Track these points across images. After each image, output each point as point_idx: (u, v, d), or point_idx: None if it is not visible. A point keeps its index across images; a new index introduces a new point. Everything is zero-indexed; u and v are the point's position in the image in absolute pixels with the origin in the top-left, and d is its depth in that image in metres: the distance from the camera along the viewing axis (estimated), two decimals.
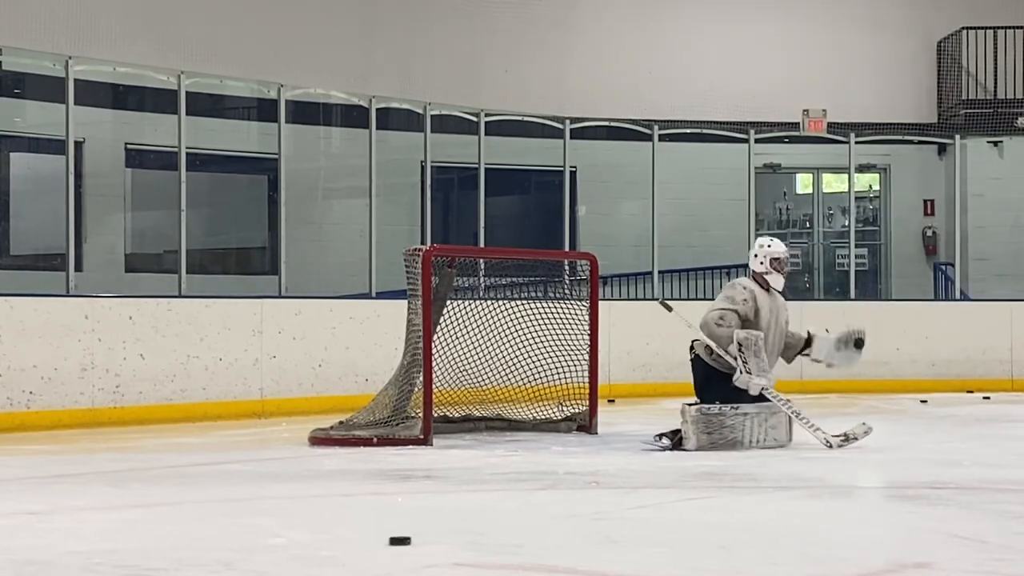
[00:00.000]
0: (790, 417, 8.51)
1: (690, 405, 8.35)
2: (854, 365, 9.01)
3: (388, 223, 13.68)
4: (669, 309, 8.92)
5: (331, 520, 5.69)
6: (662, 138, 14.96)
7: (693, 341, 8.73)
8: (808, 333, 9.00)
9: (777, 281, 8.78)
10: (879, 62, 17.79)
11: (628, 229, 16.17)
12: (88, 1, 14.27)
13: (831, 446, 8.34)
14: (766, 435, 8.44)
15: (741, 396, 8.42)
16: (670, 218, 15.22)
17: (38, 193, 13.90)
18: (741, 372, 8.34)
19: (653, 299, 14.36)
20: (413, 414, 8.76)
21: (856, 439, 8.44)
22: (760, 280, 8.77)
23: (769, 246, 8.82)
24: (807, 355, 9.00)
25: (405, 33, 16.39)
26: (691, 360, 8.75)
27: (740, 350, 8.35)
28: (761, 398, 8.44)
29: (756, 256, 8.76)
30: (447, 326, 9.29)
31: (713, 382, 8.55)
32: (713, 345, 8.48)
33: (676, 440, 8.26)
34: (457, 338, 9.38)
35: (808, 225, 17.97)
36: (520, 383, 9.59)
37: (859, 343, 8.85)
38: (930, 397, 13.18)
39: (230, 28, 15.17)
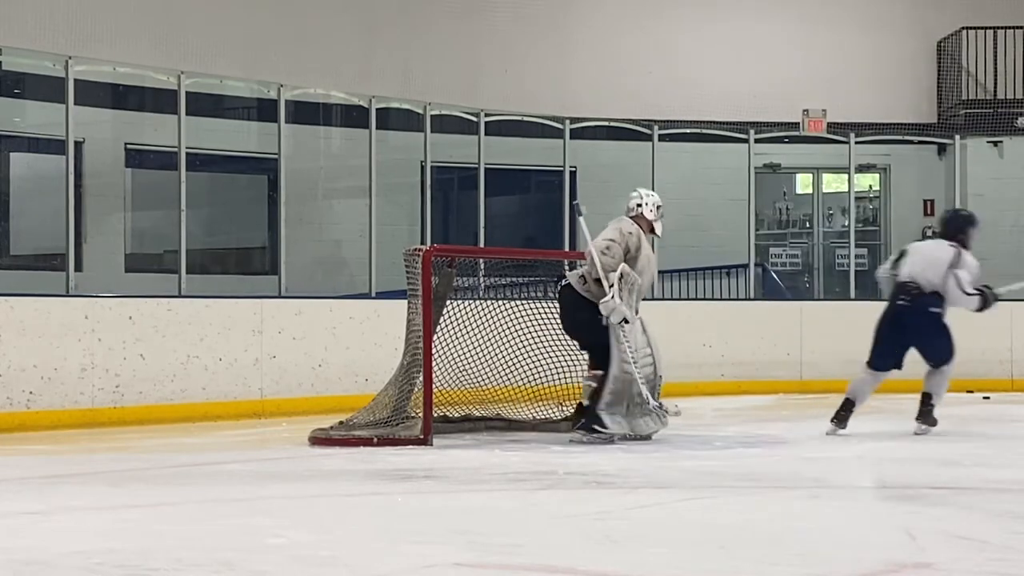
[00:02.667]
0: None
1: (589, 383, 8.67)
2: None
3: (388, 223, 13.68)
4: (580, 213, 9.18)
5: (331, 520, 5.70)
6: (662, 138, 14.96)
7: (566, 271, 9.05)
8: None
9: (660, 228, 9.15)
10: (879, 62, 17.79)
11: None
12: (88, 1, 14.28)
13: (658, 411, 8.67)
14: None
15: (595, 329, 8.60)
16: (670, 218, 15.05)
17: (38, 193, 13.90)
18: (612, 297, 8.55)
19: (653, 299, 14.39)
20: (413, 414, 8.76)
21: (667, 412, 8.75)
22: (644, 226, 9.04)
23: (652, 195, 9.21)
24: None
25: (405, 33, 16.39)
26: (559, 289, 9.01)
27: (620, 280, 8.60)
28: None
29: (646, 205, 9.07)
30: (447, 326, 9.30)
31: (577, 309, 8.81)
32: (599, 268, 8.64)
33: (592, 428, 8.59)
34: (457, 338, 9.39)
35: (808, 225, 17.97)
36: (520, 383, 9.59)
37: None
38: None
39: (230, 28, 15.17)
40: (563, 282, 9.01)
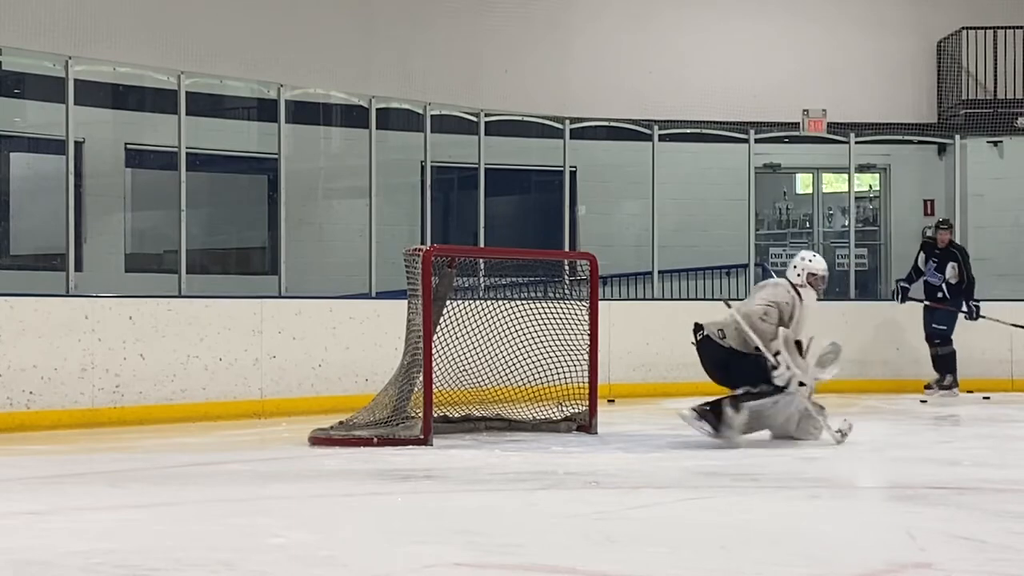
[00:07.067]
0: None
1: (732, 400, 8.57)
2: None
3: (388, 223, 13.68)
4: (728, 306, 9.13)
5: (331, 520, 5.70)
6: (662, 138, 14.96)
7: (697, 323, 8.92)
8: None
9: (809, 295, 8.99)
10: (879, 62, 17.79)
11: (628, 229, 16.17)
12: (88, 1, 14.27)
13: (838, 442, 8.57)
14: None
15: (762, 375, 8.57)
16: (670, 218, 15.21)
17: (38, 193, 13.90)
18: (788, 368, 8.55)
19: (653, 299, 14.40)
20: (413, 414, 8.76)
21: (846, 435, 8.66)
22: (795, 290, 8.97)
23: (810, 261, 9.10)
24: None
25: (405, 33, 16.38)
26: (697, 342, 8.87)
27: (786, 347, 8.61)
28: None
29: (795, 267, 9.04)
30: (447, 326, 9.29)
31: (732, 364, 8.74)
32: (754, 336, 8.62)
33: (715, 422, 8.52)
34: (457, 338, 9.38)
35: (808, 225, 17.96)
36: (520, 383, 9.59)
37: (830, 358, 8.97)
38: (930, 397, 13.18)
39: (230, 28, 15.16)
40: (700, 333, 8.89)
